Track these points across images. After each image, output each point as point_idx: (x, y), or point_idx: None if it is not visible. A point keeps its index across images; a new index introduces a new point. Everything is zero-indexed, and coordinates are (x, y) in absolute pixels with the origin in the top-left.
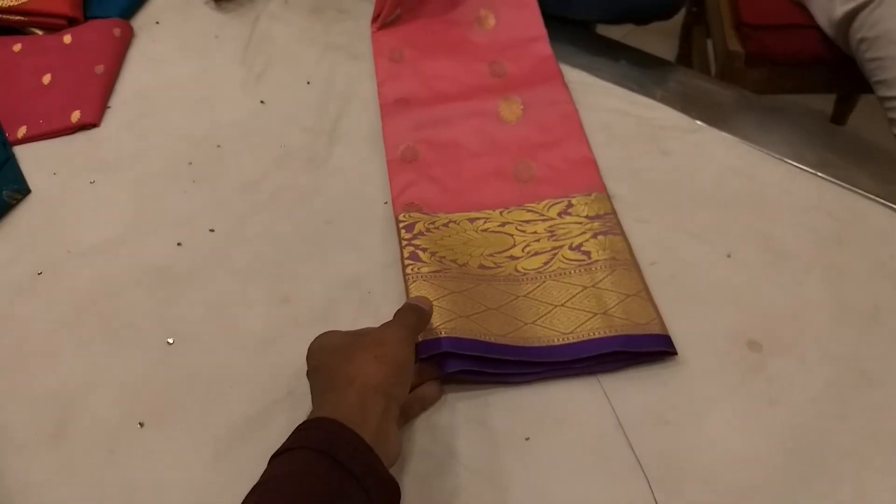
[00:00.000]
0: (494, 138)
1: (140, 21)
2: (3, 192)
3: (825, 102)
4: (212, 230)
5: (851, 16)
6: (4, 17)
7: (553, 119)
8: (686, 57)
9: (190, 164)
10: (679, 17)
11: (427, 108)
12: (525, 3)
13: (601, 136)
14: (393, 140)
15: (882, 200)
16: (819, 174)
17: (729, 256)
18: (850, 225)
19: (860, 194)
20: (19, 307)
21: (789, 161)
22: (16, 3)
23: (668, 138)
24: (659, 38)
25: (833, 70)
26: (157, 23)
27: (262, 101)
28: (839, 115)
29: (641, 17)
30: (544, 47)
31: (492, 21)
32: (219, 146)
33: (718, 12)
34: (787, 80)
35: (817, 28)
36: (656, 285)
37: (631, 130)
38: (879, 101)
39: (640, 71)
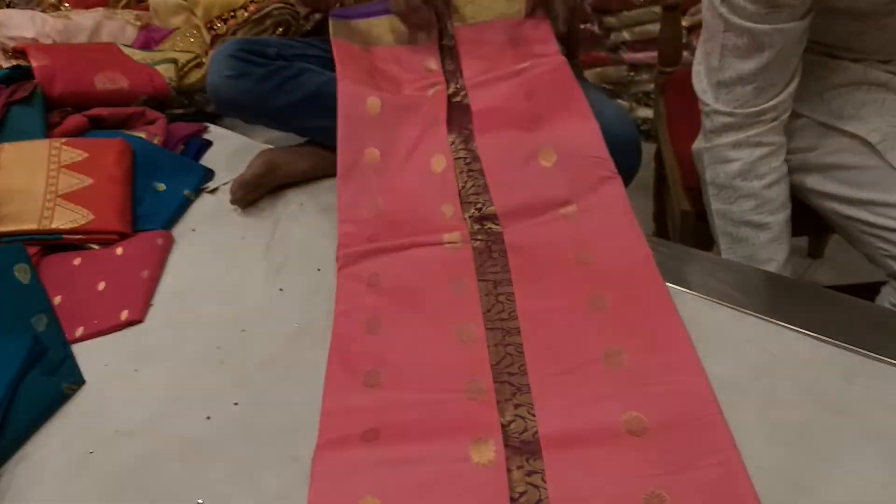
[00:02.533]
0: None
1: (179, 229)
2: (63, 386)
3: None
4: (236, 403)
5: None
6: (68, 237)
7: None
8: (660, 214)
9: (218, 347)
10: (651, 181)
11: None
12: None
13: None
14: None
15: (807, 332)
16: (753, 314)
17: None
18: (780, 356)
19: (788, 328)
20: (73, 484)
21: (727, 305)
22: (77, 226)
23: None
24: (642, 199)
25: None
26: (194, 230)
27: (280, 289)
28: (814, 250)
29: None
30: None
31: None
32: (243, 330)
33: (673, 176)
34: None
35: None
36: None
37: None
38: (857, 235)
39: None
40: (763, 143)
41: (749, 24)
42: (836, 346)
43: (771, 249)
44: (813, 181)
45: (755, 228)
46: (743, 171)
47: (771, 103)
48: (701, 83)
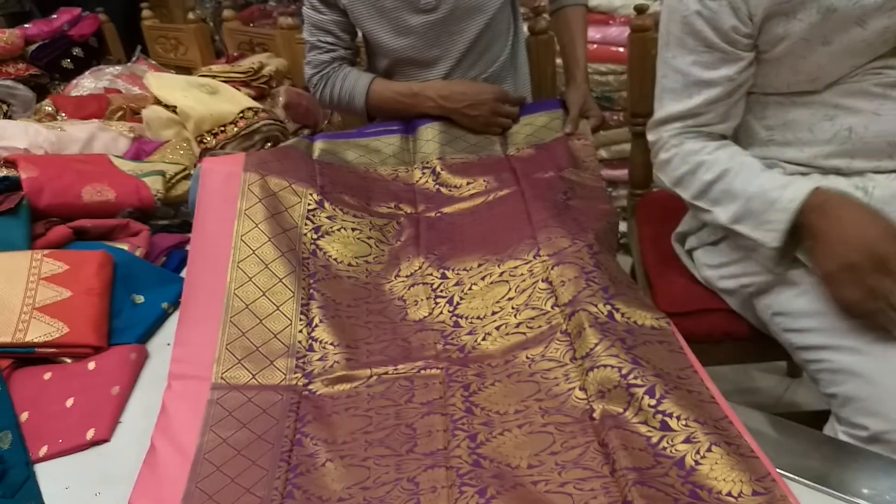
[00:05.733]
0: None
1: (154, 343)
2: None
3: None
4: None
5: (758, 294)
6: (40, 350)
7: None
8: None
9: None
10: None
11: None
12: None
13: None
14: None
15: None
16: None
17: None
18: None
19: None
20: None
21: None
22: (51, 339)
23: None
24: None
25: (741, 343)
26: (168, 344)
27: None
28: (793, 369)
29: None
30: None
31: None
32: None
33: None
34: (706, 355)
35: (724, 309)
36: None
37: None
38: (803, 364)
39: None
40: (687, 140)
41: (685, 68)
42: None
43: (746, 177)
44: (768, 301)
45: (719, 181)
46: (682, 159)
47: (695, 131)
48: (649, 124)
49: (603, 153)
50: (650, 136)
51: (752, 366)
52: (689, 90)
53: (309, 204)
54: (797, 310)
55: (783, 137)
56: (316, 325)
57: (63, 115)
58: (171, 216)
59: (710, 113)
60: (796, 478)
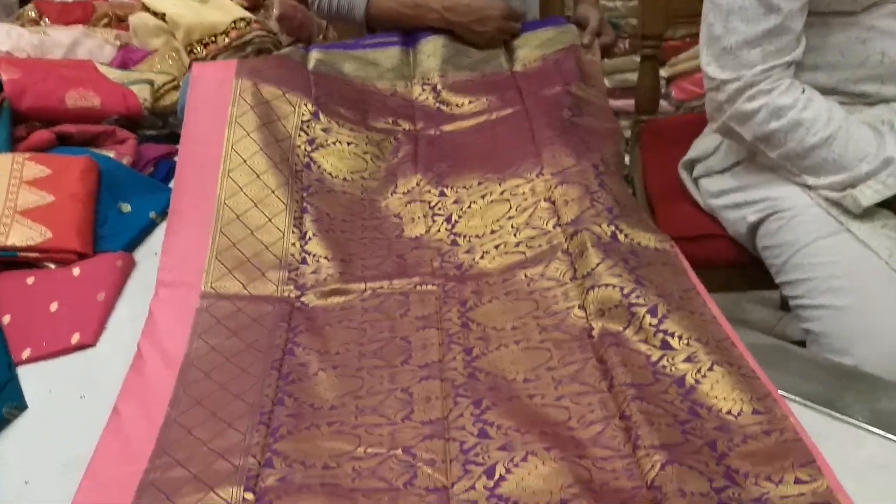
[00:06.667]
0: None
1: (142, 252)
2: (3, 409)
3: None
4: None
5: (756, 225)
6: (23, 254)
7: None
8: None
9: None
10: None
11: None
12: None
13: None
14: None
15: None
16: None
17: None
18: None
19: None
20: None
21: None
22: (34, 243)
23: None
24: None
25: (742, 269)
26: (156, 254)
27: None
28: (785, 302)
29: None
30: None
31: None
32: None
33: None
34: (706, 280)
35: (725, 236)
36: None
37: None
38: (787, 299)
39: None
40: (775, 87)
41: None
42: None
43: (854, 150)
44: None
45: (823, 147)
46: (772, 113)
47: (778, 62)
48: (705, 58)
49: (606, 82)
50: (720, 73)
51: (745, 297)
52: (765, 5)
53: (303, 115)
54: (781, 242)
55: (814, 61)
56: (309, 239)
57: (46, 19)
58: (158, 126)
59: (789, 34)
60: (797, 399)
